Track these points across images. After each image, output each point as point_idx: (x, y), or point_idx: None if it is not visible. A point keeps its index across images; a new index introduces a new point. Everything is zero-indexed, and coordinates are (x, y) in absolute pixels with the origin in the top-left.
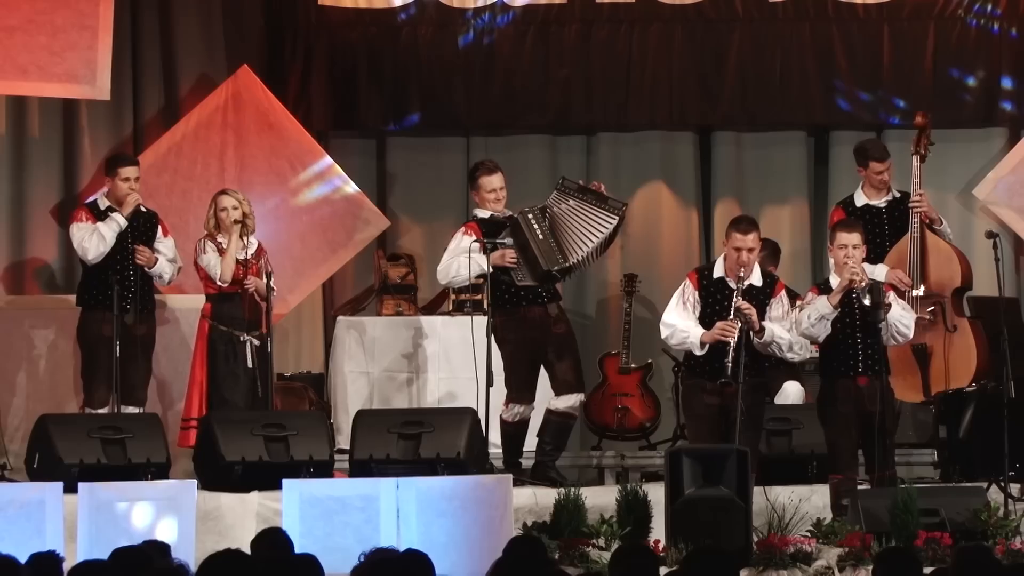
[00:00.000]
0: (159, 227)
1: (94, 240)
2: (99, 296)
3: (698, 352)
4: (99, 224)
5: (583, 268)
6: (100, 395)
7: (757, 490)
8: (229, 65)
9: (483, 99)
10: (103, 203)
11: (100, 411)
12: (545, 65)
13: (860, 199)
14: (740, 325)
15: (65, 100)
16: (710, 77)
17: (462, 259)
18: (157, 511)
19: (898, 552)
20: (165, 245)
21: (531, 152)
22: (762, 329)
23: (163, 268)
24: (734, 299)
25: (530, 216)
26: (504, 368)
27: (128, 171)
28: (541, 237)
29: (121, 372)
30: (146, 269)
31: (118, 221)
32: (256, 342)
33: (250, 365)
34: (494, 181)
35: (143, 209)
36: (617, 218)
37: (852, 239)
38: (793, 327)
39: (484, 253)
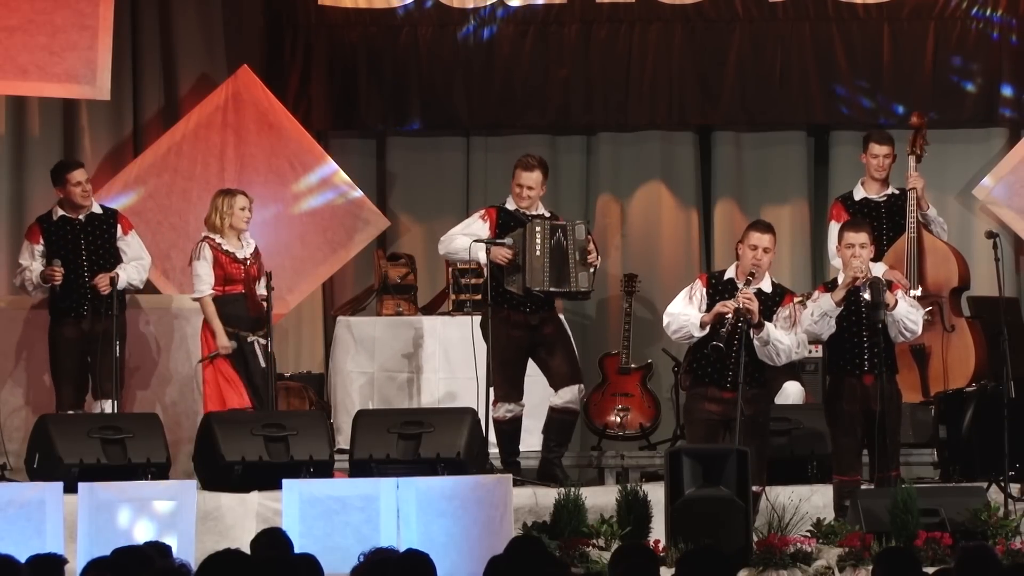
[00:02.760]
0: (119, 225)
1: (20, 279)
2: (60, 304)
3: (697, 334)
4: (27, 272)
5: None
6: (67, 397)
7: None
8: (229, 65)
9: (483, 99)
10: (56, 213)
11: (70, 413)
12: (545, 65)
13: (859, 193)
14: (740, 311)
15: (65, 100)
16: (710, 77)
17: (466, 240)
18: (157, 511)
19: (898, 552)
20: (126, 243)
21: (531, 152)
22: (761, 324)
23: (130, 278)
24: (739, 290)
25: (538, 229)
26: (492, 367)
27: (76, 175)
28: (538, 254)
29: (87, 371)
30: (117, 288)
31: (35, 282)
32: (262, 341)
33: (263, 365)
34: (526, 178)
35: (99, 210)
36: (566, 290)
37: (859, 238)
38: (796, 334)
39: (486, 253)
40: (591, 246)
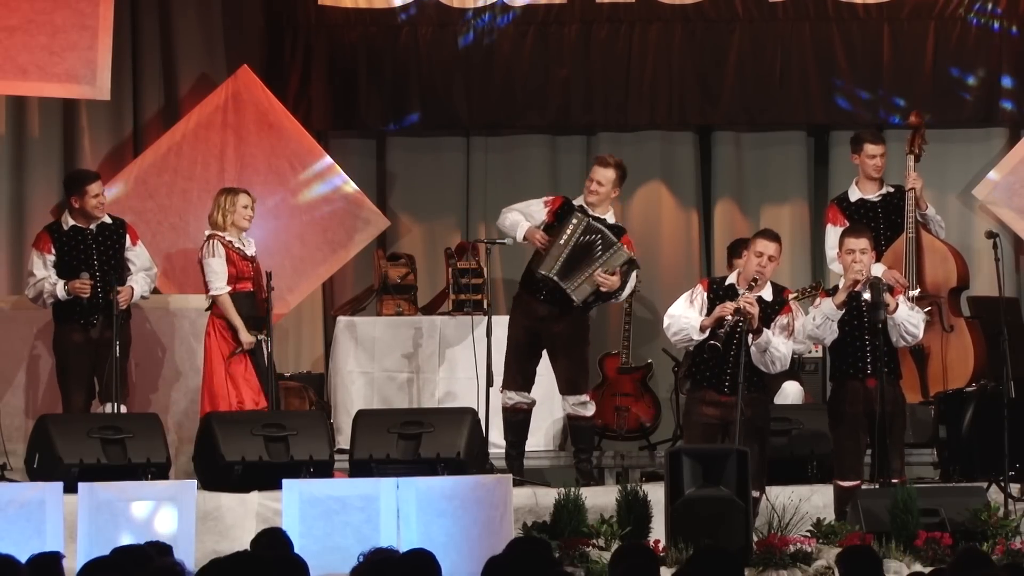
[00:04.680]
0: (127, 235)
1: (36, 291)
2: (68, 311)
3: (696, 337)
4: (47, 283)
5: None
6: (75, 402)
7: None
8: (229, 65)
9: (483, 99)
10: (67, 222)
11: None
12: (545, 65)
13: (854, 194)
14: (740, 320)
15: (65, 100)
16: (710, 77)
17: (518, 216)
18: (157, 511)
19: (859, 551)
20: (135, 254)
21: (531, 152)
22: (760, 330)
23: (142, 291)
24: (741, 295)
25: (574, 221)
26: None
27: (95, 187)
28: (562, 242)
29: (95, 376)
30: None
31: (59, 295)
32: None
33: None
34: (598, 173)
35: (109, 220)
36: (563, 287)
37: (860, 244)
38: (793, 342)
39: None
40: (614, 275)
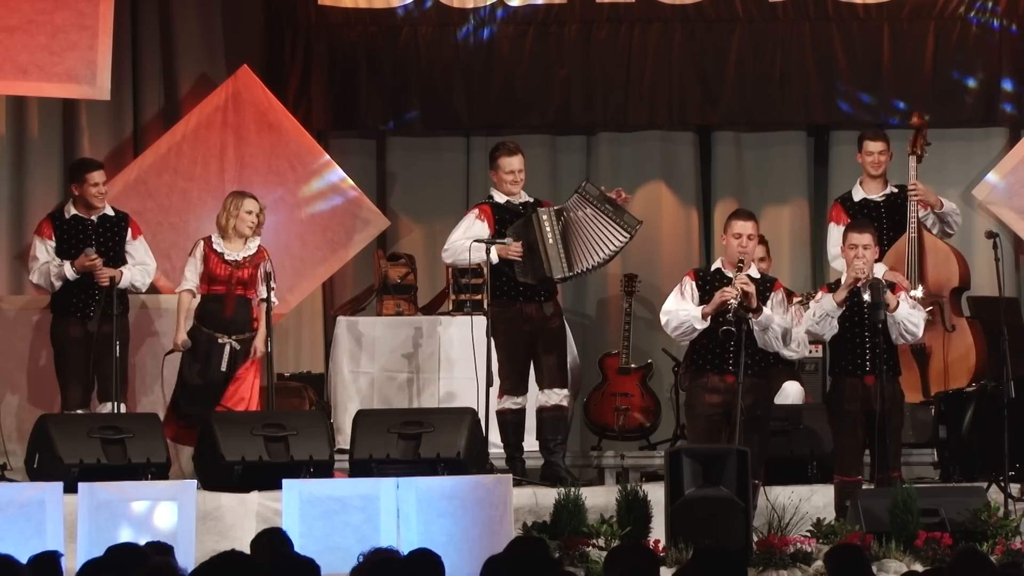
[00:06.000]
0: (129, 229)
1: (42, 273)
2: (64, 303)
3: (699, 326)
4: (52, 265)
5: (584, 277)
6: (73, 396)
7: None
8: (229, 65)
9: (483, 99)
10: (69, 211)
11: (76, 412)
12: (545, 65)
13: (858, 194)
14: (739, 304)
15: (65, 100)
16: (710, 77)
17: (469, 244)
18: (157, 511)
19: (847, 549)
20: (134, 247)
21: (531, 152)
22: (759, 309)
23: (133, 279)
24: (734, 277)
25: (544, 217)
26: (498, 360)
27: (95, 175)
28: (551, 241)
29: (94, 374)
30: (118, 286)
31: (67, 275)
32: (236, 345)
33: (223, 368)
34: (513, 163)
35: (111, 212)
36: (628, 236)
37: (863, 239)
38: (792, 319)
39: (486, 252)
40: (611, 190)
